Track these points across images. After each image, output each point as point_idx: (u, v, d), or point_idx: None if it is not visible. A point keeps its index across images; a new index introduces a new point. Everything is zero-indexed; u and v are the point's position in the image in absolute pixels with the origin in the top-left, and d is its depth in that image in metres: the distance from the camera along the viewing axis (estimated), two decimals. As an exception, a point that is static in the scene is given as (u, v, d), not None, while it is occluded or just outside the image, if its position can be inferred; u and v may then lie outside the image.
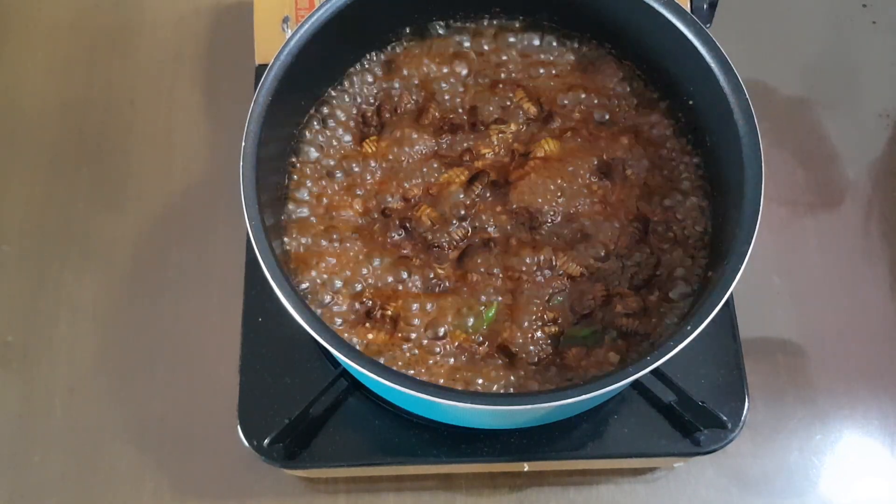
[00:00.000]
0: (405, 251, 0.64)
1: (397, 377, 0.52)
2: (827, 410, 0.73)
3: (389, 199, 0.65)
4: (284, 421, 0.61)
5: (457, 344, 0.61)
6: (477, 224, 0.64)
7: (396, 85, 0.69)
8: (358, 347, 0.60)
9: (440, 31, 0.70)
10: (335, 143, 0.67)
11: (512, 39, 0.70)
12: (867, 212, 0.80)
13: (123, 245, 0.78)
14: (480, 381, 0.60)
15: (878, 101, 0.85)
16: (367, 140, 0.67)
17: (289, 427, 0.61)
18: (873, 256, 0.78)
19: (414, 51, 0.70)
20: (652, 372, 0.53)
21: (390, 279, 0.63)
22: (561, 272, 0.62)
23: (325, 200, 0.65)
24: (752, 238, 0.54)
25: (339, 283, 0.62)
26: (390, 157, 0.66)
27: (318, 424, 0.64)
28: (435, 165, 0.66)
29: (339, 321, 0.62)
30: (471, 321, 0.61)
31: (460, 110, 0.68)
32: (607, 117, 0.68)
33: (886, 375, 0.74)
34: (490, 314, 0.61)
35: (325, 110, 0.68)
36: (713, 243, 0.63)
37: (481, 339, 0.61)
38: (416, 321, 0.61)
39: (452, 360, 0.61)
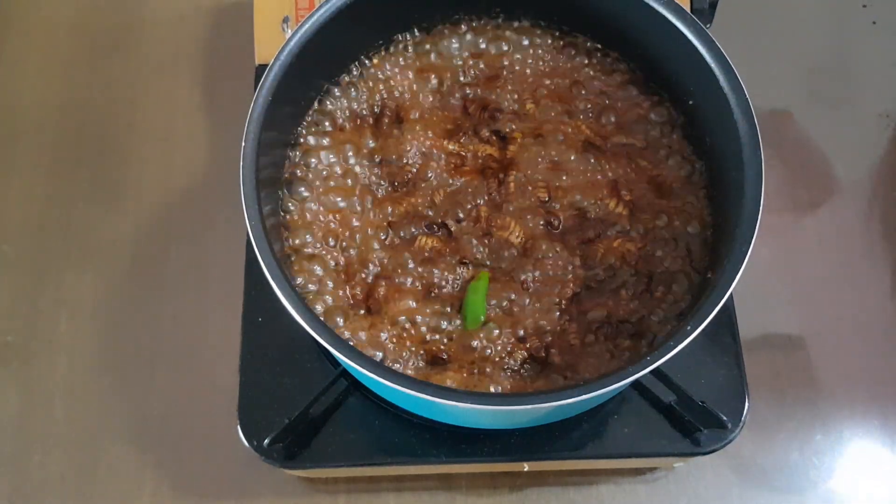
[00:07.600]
0: (405, 253, 0.63)
1: (397, 377, 0.52)
2: (827, 410, 0.73)
3: (386, 197, 0.65)
4: (284, 421, 0.61)
5: (452, 347, 0.61)
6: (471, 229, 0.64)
7: (397, 85, 0.69)
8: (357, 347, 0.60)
9: (441, 31, 0.70)
10: (335, 143, 0.67)
11: (510, 41, 0.70)
12: (867, 212, 0.80)
13: (123, 245, 0.78)
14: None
15: (878, 101, 0.85)
16: (367, 139, 0.67)
17: (289, 427, 0.61)
18: (873, 256, 0.78)
19: (414, 50, 0.70)
20: (652, 372, 0.53)
21: (390, 281, 0.63)
22: (560, 271, 0.63)
23: (325, 201, 0.65)
24: (752, 238, 0.54)
25: (338, 285, 0.62)
26: (391, 156, 0.66)
27: (318, 424, 0.64)
28: (435, 171, 0.66)
29: (338, 322, 0.62)
30: (461, 319, 0.61)
31: (459, 109, 0.68)
32: (613, 118, 0.68)
33: (886, 375, 0.74)
34: (481, 285, 0.61)
35: (326, 110, 0.68)
36: (713, 243, 0.63)
37: (482, 342, 0.61)
38: (413, 324, 0.61)
39: (452, 360, 0.61)
